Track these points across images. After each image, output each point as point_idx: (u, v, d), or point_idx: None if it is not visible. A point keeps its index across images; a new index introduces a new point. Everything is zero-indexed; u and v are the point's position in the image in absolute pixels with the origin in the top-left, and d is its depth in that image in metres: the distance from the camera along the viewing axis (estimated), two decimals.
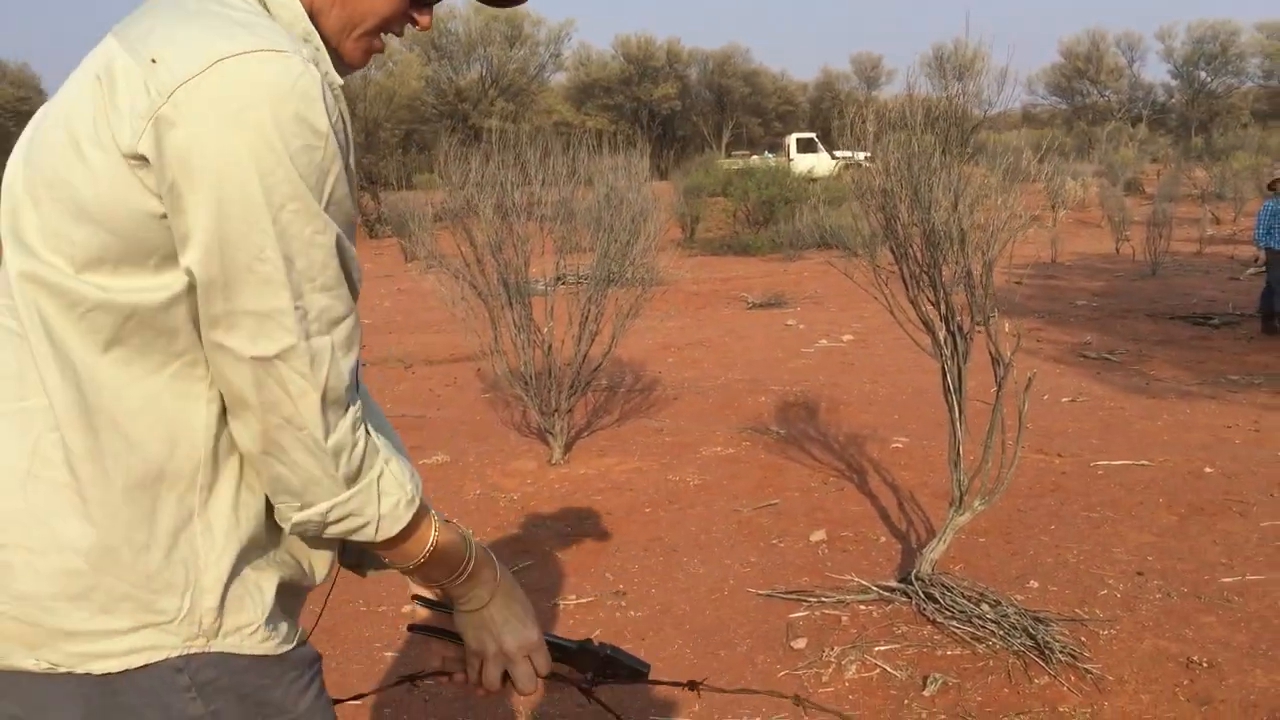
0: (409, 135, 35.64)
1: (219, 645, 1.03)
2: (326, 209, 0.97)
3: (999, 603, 3.25)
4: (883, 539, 4.10)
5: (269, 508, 1.06)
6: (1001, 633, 3.13)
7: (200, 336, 0.98)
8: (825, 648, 3.19)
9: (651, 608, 3.56)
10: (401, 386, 7.40)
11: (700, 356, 8.16)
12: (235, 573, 1.04)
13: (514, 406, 6.30)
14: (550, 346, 5.20)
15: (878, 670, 3.04)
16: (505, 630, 1.21)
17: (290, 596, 1.13)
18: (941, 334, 3.50)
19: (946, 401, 3.52)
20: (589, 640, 1.27)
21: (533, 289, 5.26)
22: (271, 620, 1.07)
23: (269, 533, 1.08)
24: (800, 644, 3.23)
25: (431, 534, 1.12)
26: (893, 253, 3.59)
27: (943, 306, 3.48)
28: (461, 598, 1.20)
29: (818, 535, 4.14)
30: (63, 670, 0.98)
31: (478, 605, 1.20)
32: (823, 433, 5.69)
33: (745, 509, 4.51)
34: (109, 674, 0.98)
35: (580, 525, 4.36)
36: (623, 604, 3.60)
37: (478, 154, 5.15)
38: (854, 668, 3.06)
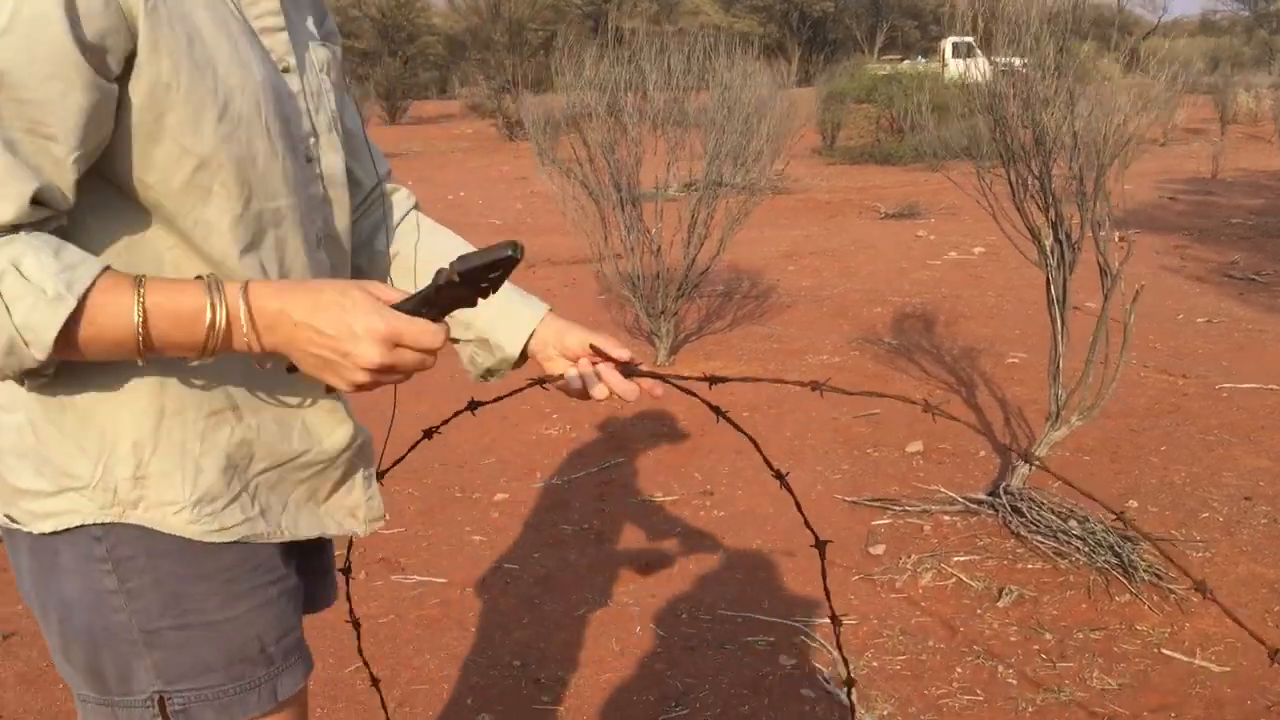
0: (552, 37, 35.58)
1: (138, 518, 1.00)
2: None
3: (1087, 519, 3.17)
4: (981, 453, 4.03)
5: (211, 377, 1.02)
6: (1087, 549, 3.05)
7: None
8: (903, 555, 3.18)
9: (735, 508, 3.60)
10: (522, 286, 7.52)
11: (822, 265, 8.04)
12: (159, 442, 1.01)
13: (626, 308, 6.34)
14: (660, 249, 5.20)
15: (953, 579, 3.02)
16: (336, 351, 0.93)
17: (266, 476, 1.08)
18: (1048, 242, 3.38)
19: (1050, 314, 3.41)
20: (439, 272, 0.97)
21: (648, 195, 5.25)
22: (208, 502, 1.03)
23: (208, 402, 1.03)
24: (878, 550, 3.23)
25: (133, 315, 0.89)
26: (1001, 156, 3.45)
27: (1051, 213, 3.35)
28: (271, 360, 0.98)
29: (914, 446, 4.09)
30: (16, 526, 1.02)
31: (288, 354, 0.96)
32: (936, 345, 5.57)
33: (844, 417, 4.48)
34: (44, 534, 1.01)
35: (675, 426, 4.40)
36: (708, 504, 3.64)
37: (591, 53, 5.12)
38: (929, 575, 3.04)
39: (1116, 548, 3.02)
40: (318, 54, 1.11)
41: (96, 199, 0.95)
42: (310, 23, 1.13)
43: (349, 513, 1.18)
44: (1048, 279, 3.39)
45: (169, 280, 0.93)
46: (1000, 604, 2.88)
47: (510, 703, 2.54)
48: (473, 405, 1.36)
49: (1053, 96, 3.30)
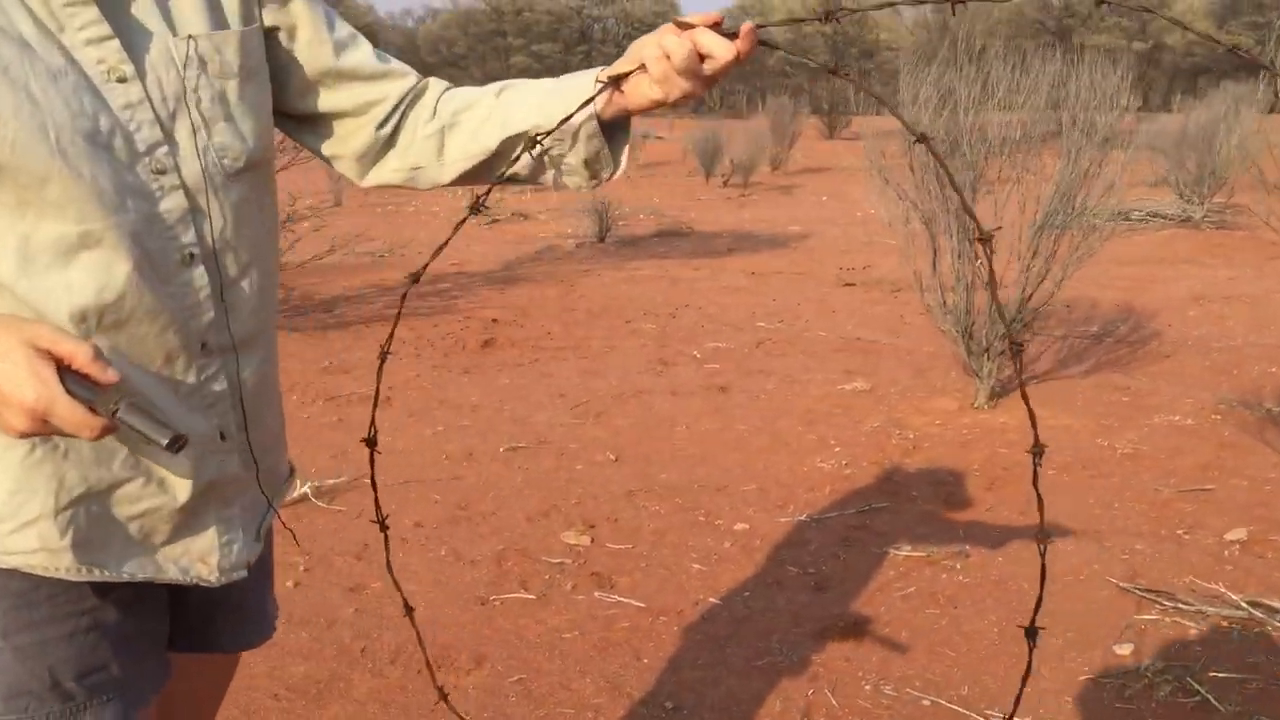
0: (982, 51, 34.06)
1: None
2: None
3: None
4: None
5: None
6: None
7: None
8: (1150, 659, 2.67)
9: (986, 576, 3.21)
10: (879, 309, 7.24)
11: (1230, 313, 7.01)
12: None
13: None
14: (991, 280, 4.77)
15: (1197, 699, 2.49)
16: None
17: (87, 507, 1.05)
18: None
19: None
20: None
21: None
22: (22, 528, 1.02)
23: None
24: (1124, 650, 2.74)
25: None
26: None
27: None
28: None
29: (1235, 534, 3.44)
30: None
31: None
32: None
33: (1168, 490, 3.86)
34: None
35: (962, 478, 4.02)
36: (957, 567, 3.28)
37: (934, 67, 4.81)
38: (1168, 688, 2.53)
39: None
40: (180, 50, 1.04)
41: None
42: (200, 15, 1.07)
43: (198, 559, 1.13)
44: None
45: None
46: None
47: None
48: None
49: None
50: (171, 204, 1.03)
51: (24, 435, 0.90)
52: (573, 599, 3.11)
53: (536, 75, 1.26)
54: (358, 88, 1.21)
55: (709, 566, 3.33)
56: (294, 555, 3.37)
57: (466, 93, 1.25)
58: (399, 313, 1.29)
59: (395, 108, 1.23)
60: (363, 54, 1.21)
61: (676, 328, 6.67)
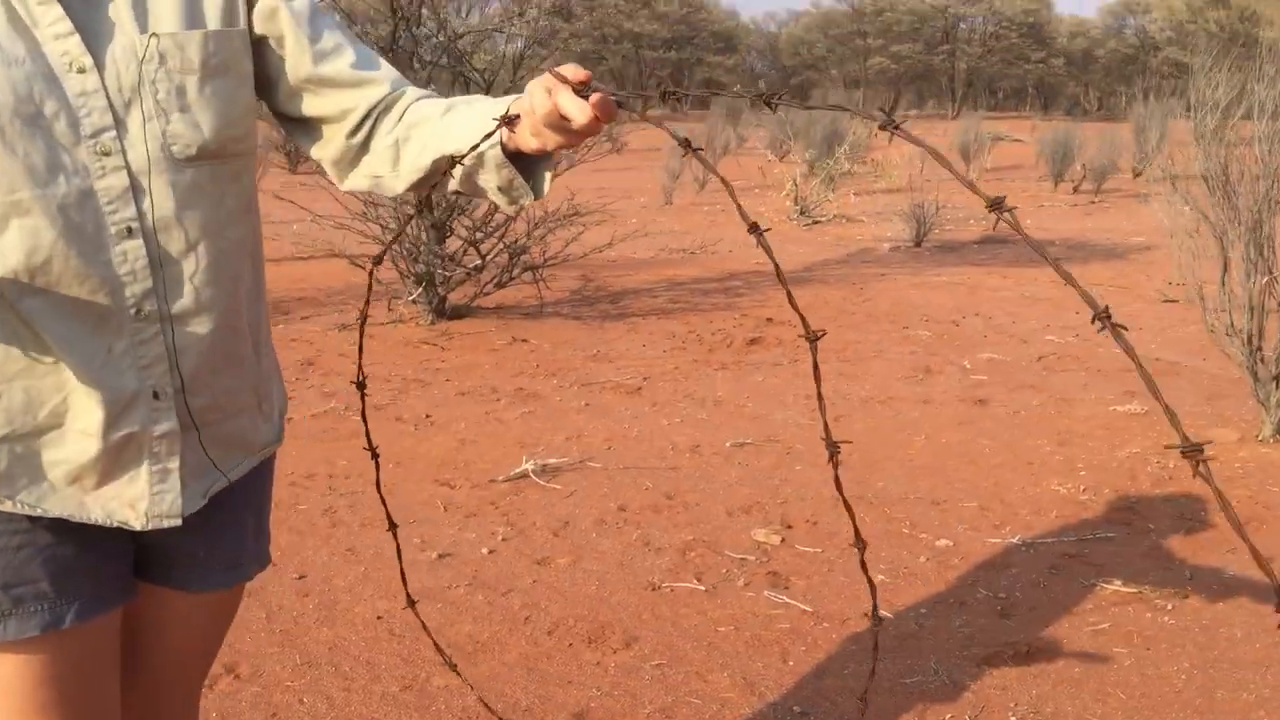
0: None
1: None
2: None
3: None
4: None
5: None
6: None
7: None
8: None
9: (1196, 620, 2.89)
10: (1191, 328, 6.59)
11: None
12: None
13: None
14: None
15: None
16: None
17: (9, 446, 1.18)
18: None
19: None
20: None
21: None
22: None
23: None
24: None
25: None
26: None
27: None
28: None
29: None
30: None
31: None
32: None
33: None
34: None
35: (1212, 514, 3.62)
36: (1168, 608, 2.98)
37: (1231, 70, 4.34)
38: None
39: None
40: (142, 46, 1.17)
41: None
42: (174, 15, 1.19)
43: (127, 504, 1.24)
44: None
45: None
46: None
47: None
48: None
49: None
50: (112, 182, 1.16)
51: None
52: (741, 595, 3.12)
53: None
54: (335, 95, 1.32)
55: (894, 580, 3.22)
56: (497, 525, 3.59)
57: (426, 106, 1.31)
58: (368, 295, 1.40)
59: (365, 116, 1.32)
60: (342, 63, 1.31)
61: (955, 336, 6.41)
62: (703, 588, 3.16)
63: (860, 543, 1.20)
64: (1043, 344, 6.19)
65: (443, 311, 6.67)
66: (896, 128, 1.04)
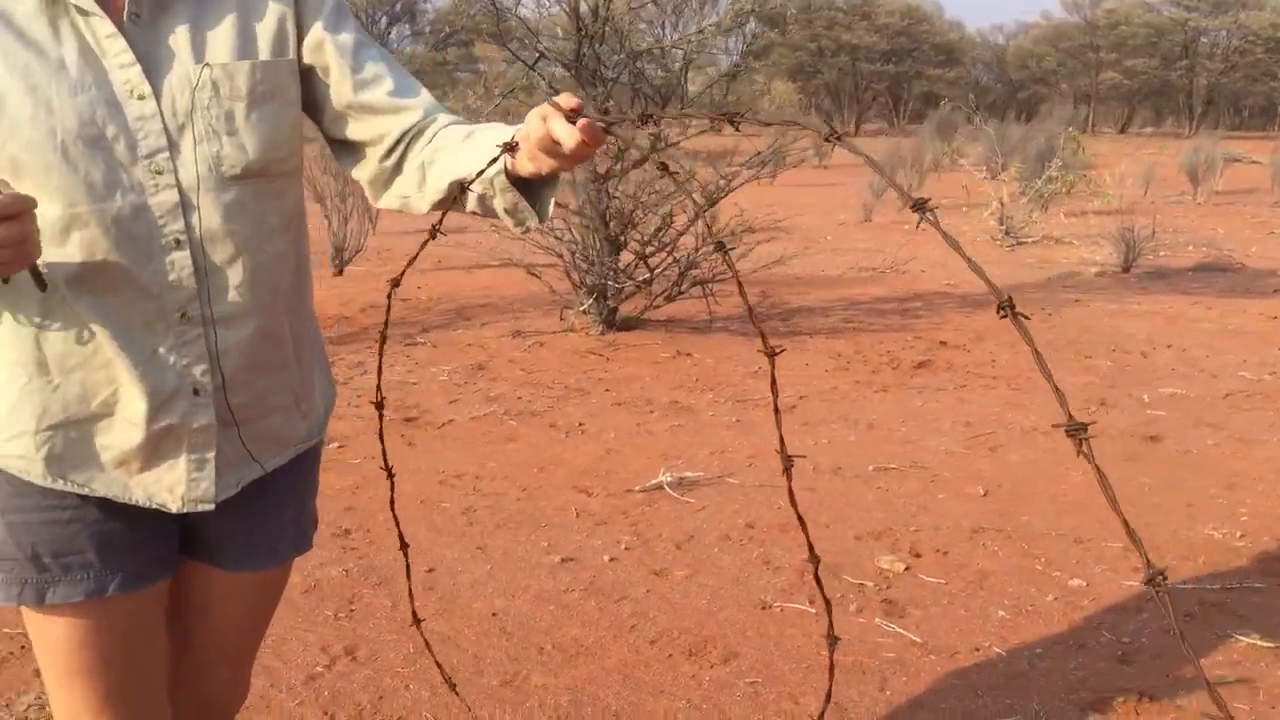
0: None
1: None
2: None
3: None
4: None
5: (25, 337, 1.30)
6: None
7: None
8: None
9: None
10: None
11: None
12: None
13: None
14: None
15: None
16: None
17: (64, 431, 1.33)
18: None
19: None
20: None
21: None
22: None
23: (14, 352, 1.30)
24: None
25: None
26: None
27: None
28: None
29: None
30: None
31: None
32: None
33: None
34: None
35: None
36: None
37: None
38: None
39: None
40: (200, 75, 1.31)
41: None
42: (228, 46, 1.33)
43: (166, 489, 1.38)
44: None
45: None
46: None
47: None
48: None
49: None
50: (164, 198, 1.30)
51: None
52: (852, 620, 3.09)
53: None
54: (373, 120, 1.44)
55: (1015, 616, 3.12)
56: (624, 534, 3.68)
57: (452, 132, 1.42)
58: (386, 317, 1.50)
59: (398, 141, 1.44)
60: (380, 91, 1.43)
61: (1139, 368, 6.08)
62: (813, 610, 3.15)
63: (814, 558, 1.22)
64: (1234, 380, 5.80)
65: (612, 323, 6.84)
66: (839, 139, 1.06)
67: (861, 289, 8.80)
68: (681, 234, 6.77)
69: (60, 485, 1.35)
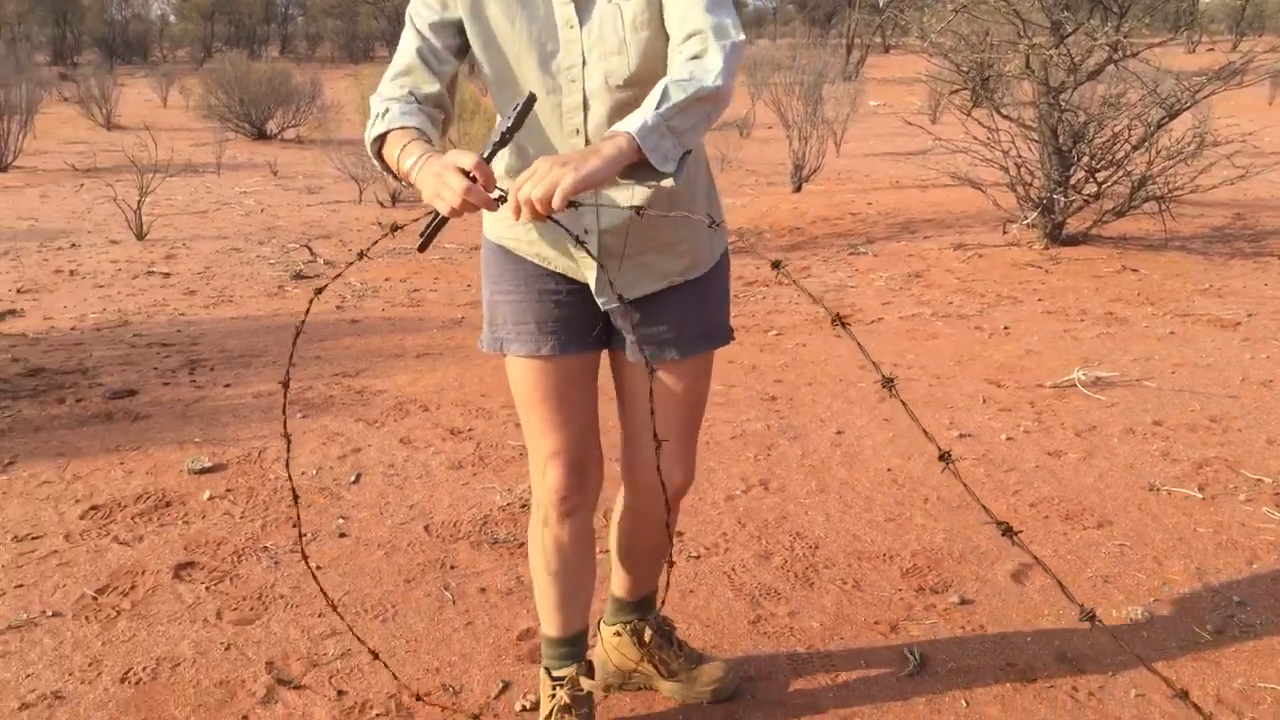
0: None
1: (488, 235, 2.04)
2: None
3: None
4: None
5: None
6: None
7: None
8: None
9: None
10: None
11: None
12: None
13: None
14: None
15: None
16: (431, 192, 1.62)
17: (535, 225, 1.91)
18: None
19: None
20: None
21: None
22: (494, 225, 2.01)
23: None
24: None
25: (393, 155, 1.73)
26: None
27: None
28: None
29: None
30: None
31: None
32: None
33: None
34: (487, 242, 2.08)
35: None
36: None
37: None
38: None
39: None
40: (607, 11, 1.80)
41: (491, 76, 1.93)
42: None
43: (591, 281, 1.94)
44: None
45: (409, 145, 1.72)
46: None
47: None
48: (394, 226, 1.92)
49: None
50: (573, 99, 1.84)
51: (454, 212, 1.60)
52: (1238, 507, 3.15)
53: None
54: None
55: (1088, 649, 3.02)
56: (1026, 419, 3.91)
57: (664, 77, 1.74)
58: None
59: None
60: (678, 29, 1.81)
61: None
62: (1200, 495, 3.24)
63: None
64: None
65: (1056, 237, 6.81)
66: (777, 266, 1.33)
67: None
68: (1136, 149, 6.57)
69: (534, 259, 1.95)
